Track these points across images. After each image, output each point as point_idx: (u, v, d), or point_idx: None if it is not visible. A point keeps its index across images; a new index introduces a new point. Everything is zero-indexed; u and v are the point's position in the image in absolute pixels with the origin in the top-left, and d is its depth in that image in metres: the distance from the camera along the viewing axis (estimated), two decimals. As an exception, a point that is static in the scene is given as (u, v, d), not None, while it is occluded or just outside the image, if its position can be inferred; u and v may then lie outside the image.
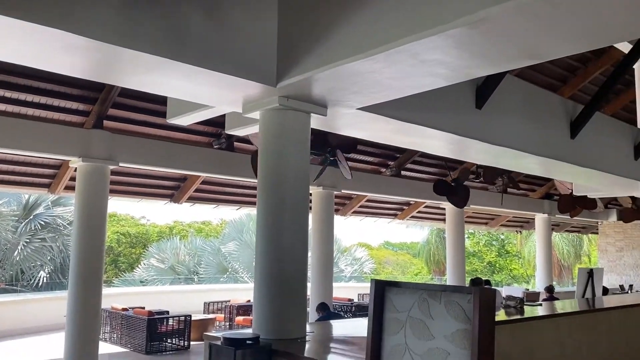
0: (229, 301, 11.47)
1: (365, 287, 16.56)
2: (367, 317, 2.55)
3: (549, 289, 10.11)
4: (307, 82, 3.73)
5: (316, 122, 4.64)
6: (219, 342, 3.52)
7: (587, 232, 20.84)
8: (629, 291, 15.40)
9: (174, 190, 10.27)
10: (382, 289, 2.53)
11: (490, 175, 9.55)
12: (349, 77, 3.61)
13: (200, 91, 4.08)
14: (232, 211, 18.43)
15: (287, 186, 4.13)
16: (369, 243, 35.94)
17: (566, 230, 19.93)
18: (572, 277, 25.25)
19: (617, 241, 17.69)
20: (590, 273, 9.59)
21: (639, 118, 8.85)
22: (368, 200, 13.07)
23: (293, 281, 3.99)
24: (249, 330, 4.22)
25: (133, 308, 9.87)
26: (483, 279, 9.37)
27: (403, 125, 4.93)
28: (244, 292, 13.19)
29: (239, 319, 10.27)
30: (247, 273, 19.28)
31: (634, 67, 8.86)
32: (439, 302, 2.27)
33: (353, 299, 12.81)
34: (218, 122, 6.72)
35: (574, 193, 10.22)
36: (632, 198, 11.02)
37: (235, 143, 8.97)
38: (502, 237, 34.79)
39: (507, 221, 16.59)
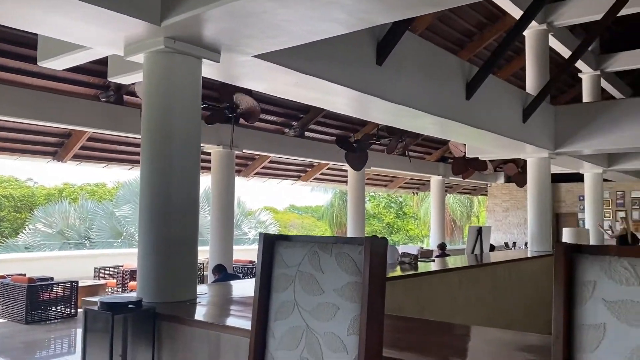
0: (122, 266, 10.88)
1: (268, 249, 16.53)
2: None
3: (441, 246, 10.61)
4: (195, 21, 3.37)
5: (210, 70, 4.29)
6: (96, 308, 3.18)
7: (477, 194, 22.20)
8: (513, 248, 16.68)
9: (57, 147, 9.40)
10: (271, 243, 2.34)
11: (392, 139, 9.71)
12: (242, 18, 3.31)
13: (74, 28, 3.57)
14: (127, 172, 17.43)
15: (176, 141, 3.77)
16: (275, 207, 35.97)
17: (458, 192, 21.08)
18: (463, 236, 26.96)
19: (504, 202, 18.99)
20: (480, 231, 10.17)
21: (527, 83, 9.32)
22: (271, 162, 12.87)
23: (181, 242, 3.70)
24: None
25: (12, 275, 9.04)
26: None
27: (303, 78, 4.72)
28: (139, 256, 12.59)
29: (132, 284, 9.77)
30: (144, 237, 18.41)
31: (524, 34, 9.27)
32: (330, 255, 2.12)
33: (254, 261, 12.68)
34: (105, 73, 6.12)
35: (467, 155, 10.66)
36: (519, 160, 11.73)
37: (125, 97, 8.31)
38: (401, 199, 36.28)
39: (405, 183, 17.19)
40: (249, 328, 2.79)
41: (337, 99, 5.72)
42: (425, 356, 2.46)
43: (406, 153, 13.03)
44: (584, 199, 13.98)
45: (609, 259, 1.49)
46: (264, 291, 2.29)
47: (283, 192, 35.79)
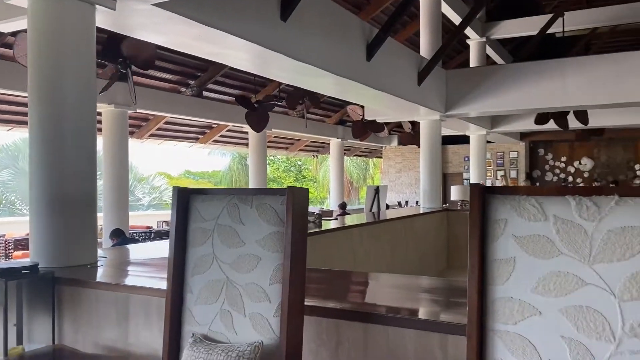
0: (4, 235, 10.01)
1: (166, 215, 16.02)
2: (168, 240, 2.27)
3: (342, 206, 10.94)
4: (88, -39, 3.07)
5: (104, 19, 3.95)
6: (-17, 276, 2.90)
7: (372, 156, 23.00)
8: (405, 206, 17.58)
9: None
10: (186, 197, 2.26)
11: (292, 99, 9.65)
12: (141, -40, 3.07)
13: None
14: (4, 134, 15.83)
15: (67, 99, 3.45)
16: (169, 172, 34.70)
17: (355, 155, 21.70)
18: (360, 197, 27.94)
19: (397, 163, 19.87)
20: (377, 190, 10.58)
21: (421, 47, 9.69)
22: (167, 123, 12.33)
23: (79, 202, 3.45)
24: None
25: None
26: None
27: (205, 31, 4.52)
28: (22, 225, 11.62)
29: (17, 253, 9.04)
30: (26, 205, 17.03)
31: (420, -1, 9.57)
32: (251, 207, 2.09)
33: (152, 227, 12.24)
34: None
35: (366, 117, 10.95)
36: (412, 123, 12.25)
37: (1, 49, 7.47)
38: (300, 163, 36.63)
39: (306, 146, 17.35)
40: (160, 287, 2.71)
41: (240, 54, 5.56)
42: (346, 302, 2.54)
43: (304, 116, 13.11)
44: (468, 160, 15.01)
45: (518, 198, 1.61)
46: (180, 247, 2.21)
47: (178, 156, 34.51)
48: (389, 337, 2.15)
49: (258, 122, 9.42)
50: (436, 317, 2.30)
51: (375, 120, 11.30)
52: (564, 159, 18.08)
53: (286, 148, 17.04)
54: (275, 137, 15.39)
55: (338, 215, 10.51)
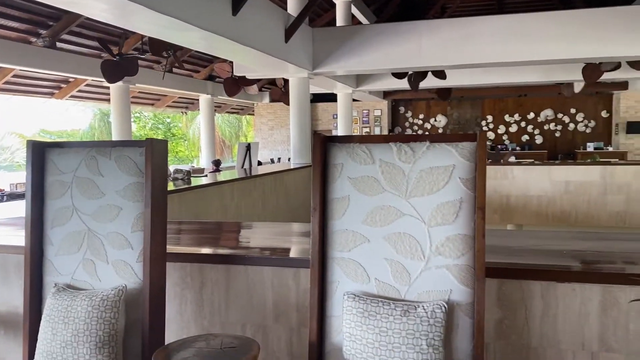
0: None
1: (19, 176, 14.74)
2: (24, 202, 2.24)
3: (216, 163, 10.87)
4: None
5: None
6: None
7: (244, 114, 22.92)
8: (278, 162, 17.92)
9: None
10: (41, 151, 2.24)
11: (156, 48, 9.28)
12: None
13: None
14: None
15: None
16: (22, 132, 31.54)
17: (227, 112, 21.47)
18: (232, 155, 27.79)
19: (269, 121, 20.04)
20: (248, 147, 10.72)
21: (288, 4, 9.79)
22: (16, 76, 11.22)
23: None
24: None
25: None
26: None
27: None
28: None
29: None
30: None
31: (287, -45, 9.59)
32: (109, 159, 2.15)
33: (4, 189, 11.25)
34: None
35: (235, 74, 10.89)
36: (284, 80, 12.43)
37: None
38: (169, 120, 35.26)
39: (173, 102, 16.78)
40: (15, 244, 2.65)
41: (98, 4, 5.26)
42: (210, 247, 2.69)
43: (170, 70, 12.69)
44: (337, 117, 15.64)
45: (352, 146, 1.87)
46: (37, 200, 2.21)
47: (32, 114, 31.44)
48: (249, 276, 2.36)
49: (114, 73, 8.94)
50: (289, 254, 2.56)
51: (244, 77, 11.30)
52: (421, 116, 19.53)
53: (152, 104, 16.36)
54: (139, 92, 14.69)
55: (211, 171, 10.48)
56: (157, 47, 8.90)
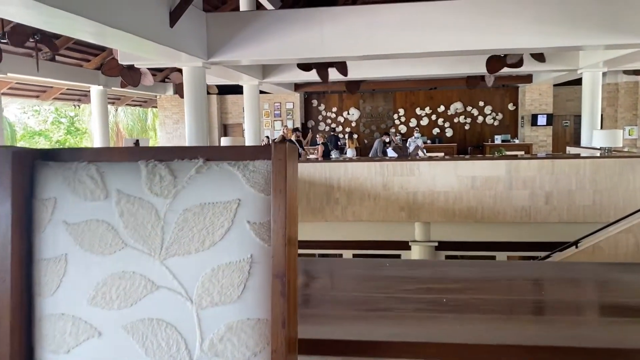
0: None
1: None
2: None
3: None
4: None
5: None
6: None
7: (149, 106, 21.41)
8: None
9: None
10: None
11: (18, 36, 8.00)
12: None
13: None
14: None
15: None
16: None
17: (127, 104, 19.90)
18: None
19: (174, 114, 18.76)
20: (137, 143, 9.65)
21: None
22: None
23: None
24: None
25: None
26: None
27: None
28: None
29: None
30: None
31: None
32: None
33: None
34: None
35: (120, 62, 9.74)
36: (177, 69, 11.37)
37: None
38: (72, 114, 32.78)
39: (62, 94, 15.13)
40: None
41: None
42: None
43: (53, 58, 11.29)
44: (245, 110, 14.74)
45: (76, 166, 1.08)
46: None
47: None
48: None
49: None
50: None
51: (133, 65, 10.16)
52: (334, 109, 19.04)
53: (37, 96, 14.64)
54: (17, 83, 13.03)
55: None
56: (20, 36, 7.66)
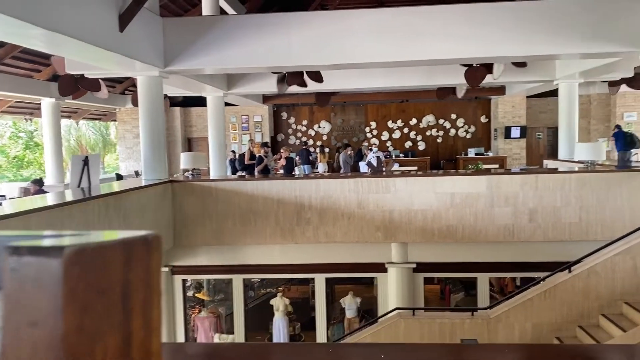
0: None
1: None
2: None
3: (38, 182, 8.78)
4: None
5: None
6: None
7: (108, 120, 20.37)
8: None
9: None
10: None
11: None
12: None
13: None
14: None
15: None
16: None
17: (85, 118, 18.85)
18: (104, 167, 24.91)
19: (134, 127, 17.80)
20: (86, 161, 8.76)
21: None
22: None
23: None
24: None
25: None
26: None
27: None
28: None
29: None
30: None
31: None
32: None
33: None
34: None
35: (68, 71, 8.88)
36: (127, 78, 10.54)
37: None
38: (32, 128, 31.32)
39: (10, 107, 14.05)
40: None
41: None
42: None
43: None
44: (210, 123, 13.92)
45: None
46: None
47: None
48: None
49: None
50: None
51: (83, 75, 9.30)
52: (305, 122, 18.39)
53: (-18, 109, 13.55)
54: (-43, 95, 11.97)
55: (33, 194, 8.37)
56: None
